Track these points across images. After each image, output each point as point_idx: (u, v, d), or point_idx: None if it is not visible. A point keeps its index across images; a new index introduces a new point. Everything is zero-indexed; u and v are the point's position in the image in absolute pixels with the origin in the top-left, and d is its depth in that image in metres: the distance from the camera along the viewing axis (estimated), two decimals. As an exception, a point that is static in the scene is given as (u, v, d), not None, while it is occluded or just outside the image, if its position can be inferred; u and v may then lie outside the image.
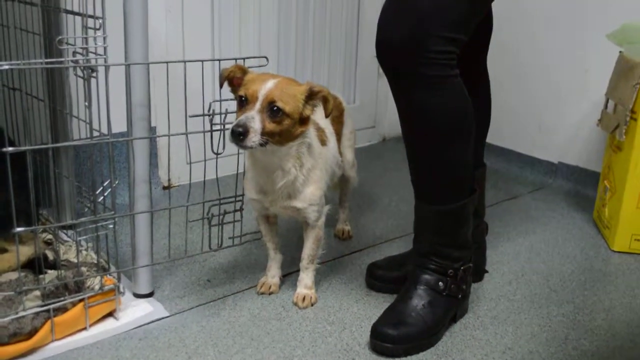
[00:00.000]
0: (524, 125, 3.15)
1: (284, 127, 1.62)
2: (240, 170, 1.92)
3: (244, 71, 1.70)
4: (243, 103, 1.62)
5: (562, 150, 3.02)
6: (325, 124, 1.96)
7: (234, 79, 1.70)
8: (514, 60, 3.09)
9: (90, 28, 1.60)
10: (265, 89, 1.60)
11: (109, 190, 1.73)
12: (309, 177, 1.78)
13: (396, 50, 1.57)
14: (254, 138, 1.56)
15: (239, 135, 1.55)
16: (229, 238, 1.99)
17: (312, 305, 1.90)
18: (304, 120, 1.68)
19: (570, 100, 2.94)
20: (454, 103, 1.63)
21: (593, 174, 2.84)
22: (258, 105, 1.59)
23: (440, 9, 1.53)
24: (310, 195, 1.80)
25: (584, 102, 2.88)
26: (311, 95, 1.66)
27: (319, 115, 1.91)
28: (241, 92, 1.63)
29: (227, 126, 1.75)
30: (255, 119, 1.57)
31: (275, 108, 1.59)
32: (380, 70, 3.41)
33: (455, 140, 1.66)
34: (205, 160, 1.82)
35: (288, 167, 1.72)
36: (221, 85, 1.72)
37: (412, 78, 1.59)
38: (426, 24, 1.53)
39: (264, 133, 1.58)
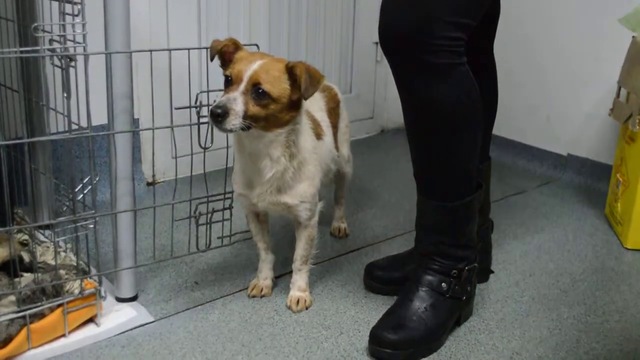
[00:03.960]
0: (531, 116, 3.15)
1: (270, 111, 1.61)
2: (230, 164, 1.91)
3: (236, 46, 1.70)
4: (228, 83, 1.62)
5: (572, 141, 3.02)
6: (322, 117, 1.95)
7: (225, 54, 1.70)
8: (522, 47, 3.09)
9: (68, 14, 1.58)
10: (251, 69, 1.60)
11: (89, 187, 1.72)
12: (300, 171, 1.77)
13: (400, 36, 1.56)
14: (234, 121, 1.56)
15: (217, 116, 1.55)
16: (218, 238, 1.98)
17: (306, 308, 1.89)
18: (293, 104, 1.67)
19: (581, 88, 2.94)
20: (461, 93, 1.62)
21: (605, 167, 2.84)
22: (242, 86, 1.59)
23: (448, -8, 1.53)
24: (302, 192, 1.79)
25: (595, 90, 2.88)
26: (292, 74, 1.64)
27: (315, 107, 1.91)
28: (227, 72, 1.63)
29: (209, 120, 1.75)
30: (237, 101, 1.57)
31: (260, 91, 1.59)
32: (379, 57, 3.47)
33: (461, 133, 1.66)
34: (192, 155, 1.82)
35: (277, 156, 1.71)
36: (212, 59, 1.71)
37: (416, 66, 1.58)
38: (432, 8, 1.52)
39: (246, 116, 1.58)
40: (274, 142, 1.69)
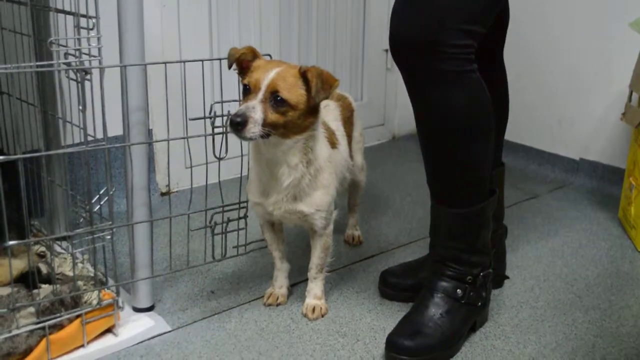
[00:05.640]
0: (543, 121, 3.15)
1: (288, 118, 1.62)
2: (244, 173, 1.92)
3: (254, 55, 1.70)
4: (247, 92, 1.63)
5: (584, 146, 3.01)
6: (337, 127, 1.96)
7: (243, 62, 1.71)
8: (532, 51, 3.08)
9: (83, 28, 1.59)
10: (268, 77, 1.61)
11: (106, 198, 1.73)
12: (316, 178, 1.77)
13: (410, 44, 1.57)
14: (254, 129, 1.57)
15: (237, 125, 1.56)
16: (233, 247, 1.99)
17: (322, 316, 1.90)
18: (311, 110, 1.67)
19: (592, 92, 2.93)
20: (473, 100, 1.62)
21: (617, 171, 2.83)
22: (260, 94, 1.60)
23: (457, 0, 1.53)
24: (318, 200, 1.79)
25: (607, 94, 2.87)
26: (306, 78, 1.64)
27: (330, 117, 1.91)
28: (245, 81, 1.64)
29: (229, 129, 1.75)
30: (256, 109, 1.58)
31: (279, 98, 1.60)
32: (389, 64, 3.47)
33: (474, 139, 1.66)
34: (207, 164, 1.82)
35: (295, 163, 1.71)
36: (229, 67, 1.72)
37: (427, 74, 1.59)
38: (442, 16, 1.52)
39: (265, 124, 1.58)
40: (293, 148, 1.69)
